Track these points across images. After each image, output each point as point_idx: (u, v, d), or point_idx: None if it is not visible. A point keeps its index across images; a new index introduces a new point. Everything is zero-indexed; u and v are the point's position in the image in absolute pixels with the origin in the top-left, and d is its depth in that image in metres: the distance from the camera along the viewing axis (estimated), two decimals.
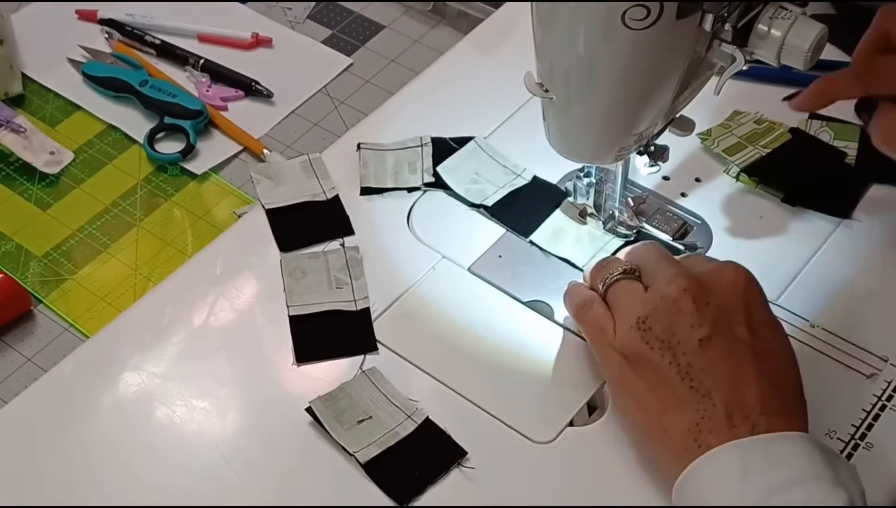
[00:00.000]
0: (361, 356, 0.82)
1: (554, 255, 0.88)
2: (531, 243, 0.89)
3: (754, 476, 0.66)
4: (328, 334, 0.83)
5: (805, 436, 0.68)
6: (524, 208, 0.91)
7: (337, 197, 0.91)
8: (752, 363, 0.70)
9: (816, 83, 0.83)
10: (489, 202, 0.91)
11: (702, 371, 0.70)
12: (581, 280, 0.83)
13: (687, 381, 0.70)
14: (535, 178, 0.93)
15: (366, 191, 0.92)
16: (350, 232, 0.89)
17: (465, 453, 0.76)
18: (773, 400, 0.69)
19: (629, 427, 0.76)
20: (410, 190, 0.92)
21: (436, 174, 0.93)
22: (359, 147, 0.94)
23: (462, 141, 0.95)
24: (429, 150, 0.94)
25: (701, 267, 0.75)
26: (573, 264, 0.87)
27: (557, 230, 0.90)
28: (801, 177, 0.92)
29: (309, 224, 0.89)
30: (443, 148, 0.94)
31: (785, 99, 0.89)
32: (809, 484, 0.65)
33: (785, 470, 0.66)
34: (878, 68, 0.80)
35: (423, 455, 0.76)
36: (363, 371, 0.80)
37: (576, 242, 0.89)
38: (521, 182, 0.93)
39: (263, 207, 0.90)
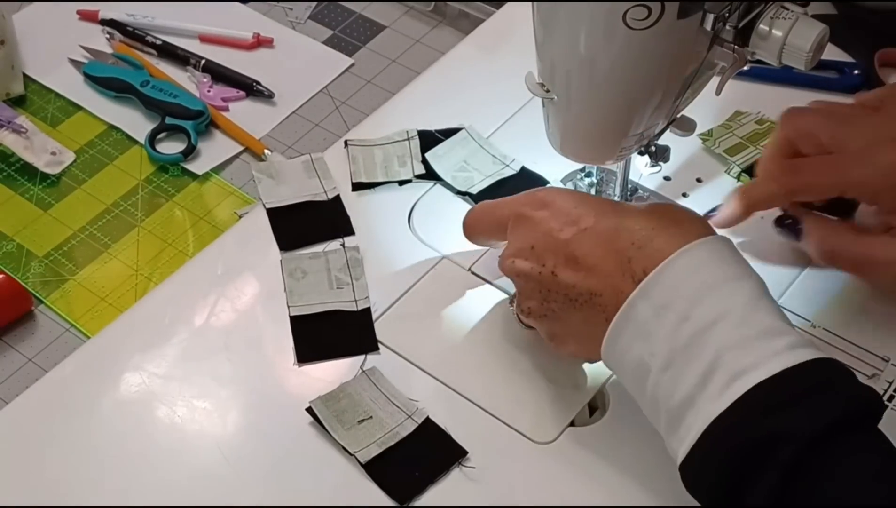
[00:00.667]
0: (362, 357, 0.82)
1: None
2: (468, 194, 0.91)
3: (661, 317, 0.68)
4: (329, 334, 0.83)
5: (677, 256, 0.68)
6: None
7: (338, 197, 0.91)
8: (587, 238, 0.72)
9: (736, 197, 0.83)
10: (474, 190, 0.92)
11: (572, 288, 0.72)
12: None
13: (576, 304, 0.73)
14: (522, 168, 0.94)
15: (357, 186, 0.92)
16: (350, 232, 0.89)
17: (466, 452, 0.76)
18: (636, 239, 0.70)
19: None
20: (402, 183, 0.93)
21: (426, 164, 0.94)
22: (346, 144, 0.95)
23: (449, 133, 0.96)
24: (416, 142, 0.95)
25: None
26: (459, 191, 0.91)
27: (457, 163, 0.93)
28: None
29: (309, 224, 0.90)
30: (429, 140, 0.95)
31: (706, 215, 0.85)
32: (709, 298, 0.67)
33: (681, 301, 0.67)
34: (799, 168, 0.81)
35: (423, 454, 0.76)
36: (363, 371, 0.80)
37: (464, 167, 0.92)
38: (508, 172, 0.93)
39: (264, 206, 0.90)
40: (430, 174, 0.93)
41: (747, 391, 0.64)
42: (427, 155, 0.94)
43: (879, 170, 0.77)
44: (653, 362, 0.68)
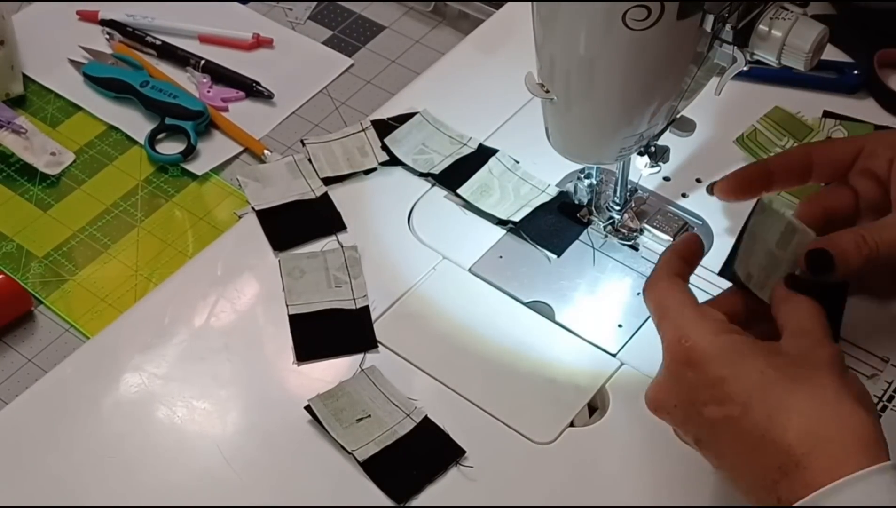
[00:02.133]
0: (361, 357, 0.82)
1: (478, 208, 0.90)
2: (456, 194, 0.91)
3: None
4: (328, 332, 0.83)
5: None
6: (469, 173, 0.93)
7: (326, 194, 0.91)
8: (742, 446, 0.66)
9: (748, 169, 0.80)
10: (436, 171, 0.93)
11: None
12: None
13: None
14: (480, 145, 0.95)
15: (329, 181, 0.93)
16: (342, 228, 0.89)
17: (464, 452, 0.76)
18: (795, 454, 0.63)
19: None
20: (367, 172, 0.94)
21: (387, 150, 0.95)
22: (303, 143, 0.96)
23: (402, 119, 0.97)
24: (372, 132, 0.96)
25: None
26: (501, 220, 0.90)
27: (483, 186, 0.92)
28: None
29: (301, 223, 0.90)
30: (385, 129, 0.96)
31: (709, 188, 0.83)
32: None
33: None
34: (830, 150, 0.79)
35: (421, 453, 0.76)
36: (362, 370, 0.80)
37: (500, 197, 0.91)
38: (466, 151, 0.94)
39: (253, 209, 0.91)
40: (393, 160, 0.94)
41: None
42: (386, 140, 0.95)
43: None
44: None
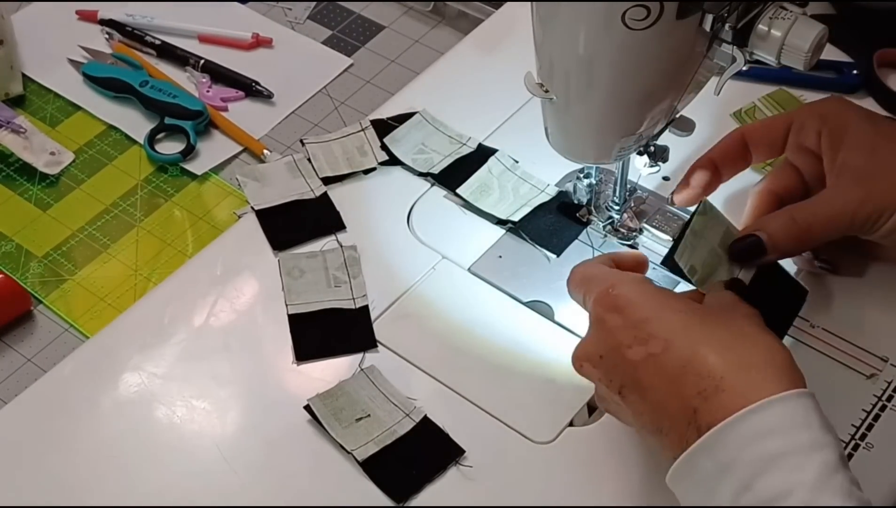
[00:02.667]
0: (361, 356, 0.82)
1: (477, 208, 0.90)
2: (456, 194, 0.91)
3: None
4: (328, 332, 0.83)
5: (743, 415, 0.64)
6: (468, 173, 0.93)
7: (325, 194, 0.91)
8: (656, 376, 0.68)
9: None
10: (435, 170, 0.93)
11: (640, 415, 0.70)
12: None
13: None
14: (479, 145, 0.95)
15: (328, 181, 0.93)
16: (342, 227, 0.89)
17: (463, 451, 0.76)
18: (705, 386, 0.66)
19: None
20: (367, 172, 0.94)
21: (386, 150, 0.95)
22: (302, 143, 0.96)
23: (402, 118, 0.97)
24: (371, 132, 0.96)
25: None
26: (500, 219, 0.90)
27: (483, 186, 0.92)
28: None
29: (300, 222, 0.90)
30: (385, 129, 0.97)
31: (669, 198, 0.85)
32: (776, 468, 0.63)
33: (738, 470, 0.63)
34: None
35: (420, 453, 0.76)
36: (362, 370, 0.80)
37: (499, 197, 0.91)
38: (466, 150, 0.94)
39: (253, 208, 0.91)
40: (393, 160, 0.94)
41: None
42: (385, 140, 0.95)
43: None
44: None
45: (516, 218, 0.90)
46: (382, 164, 0.94)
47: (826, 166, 0.79)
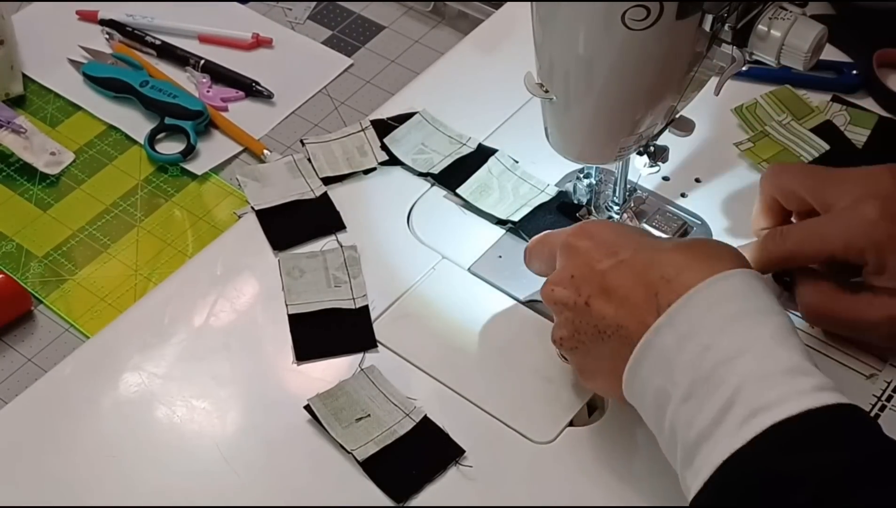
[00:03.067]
0: (361, 357, 0.82)
1: (477, 208, 0.91)
2: (456, 194, 0.91)
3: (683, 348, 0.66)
4: (328, 332, 0.83)
5: (700, 288, 0.67)
6: (468, 173, 0.93)
7: (325, 194, 0.91)
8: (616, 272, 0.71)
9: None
10: (435, 170, 0.93)
11: (599, 327, 0.72)
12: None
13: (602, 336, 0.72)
14: (479, 145, 0.95)
15: (328, 181, 0.93)
16: (342, 227, 0.89)
17: (463, 451, 0.76)
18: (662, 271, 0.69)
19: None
20: (367, 172, 0.94)
21: (386, 150, 0.95)
22: (303, 143, 0.96)
23: (402, 118, 0.97)
24: (371, 132, 0.96)
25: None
26: (500, 219, 0.90)
27: (483, 186, 0.92)
28: None
29: (300, 222, 0.90)
30: (385, 129, 0.97)
31: None
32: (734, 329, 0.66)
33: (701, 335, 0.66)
34: (785, 235, 0.81)
35: (420, 453, 0.76)
36: (362, 370, 0.81)
37: (499, 197, 0.91)
38: (466, 150, 0.94)
39: (253, 208, 0.91)
40: (393, 160, 0.94)
41: (767, 429, 0.62)
42: (385, 140, 0.95)
43: (861, 228, 0.77)
44: (673, 391, 0.66)
45: (516, 218, 0.90)
46: (382, 164, 0.94)
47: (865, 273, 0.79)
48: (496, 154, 0.94)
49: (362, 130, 0.97)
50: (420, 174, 0.93)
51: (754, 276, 0.69)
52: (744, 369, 0.64)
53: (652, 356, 0.68)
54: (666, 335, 0.67)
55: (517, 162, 0.94)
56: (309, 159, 0.95)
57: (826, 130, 0.96)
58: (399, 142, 0.95)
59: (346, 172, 0.94)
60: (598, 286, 0.71)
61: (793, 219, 0.84)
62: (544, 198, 0.91)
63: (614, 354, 0.70)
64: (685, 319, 0.67)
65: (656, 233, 0.89)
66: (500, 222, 0.90)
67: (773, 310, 0.67)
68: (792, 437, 0.62)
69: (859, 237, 0.77)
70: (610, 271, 0.71)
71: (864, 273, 0.78)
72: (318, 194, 0.92)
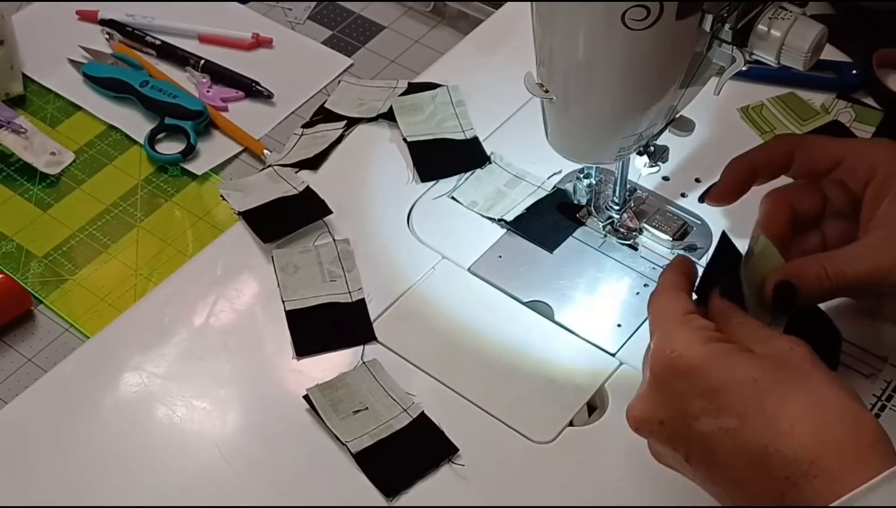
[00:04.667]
0: (361, 352, 0.82)
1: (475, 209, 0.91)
2: (452, 198, 0.92)
3: None
4: (325, 326, 0.83)
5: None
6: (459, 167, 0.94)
7: (308, 188, 0.91)
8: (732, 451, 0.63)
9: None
10: (410, 139, 0.95)
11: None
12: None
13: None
14: (475, 140, 0.95)
15: (327, 112, 0.97)
16: (328, 212, 0.89)
17: (457, 450, 0.76)
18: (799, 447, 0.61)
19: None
20: (369, 120, 0.97)
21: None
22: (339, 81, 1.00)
23: (429, 86, 0.99)
24: (399, 91, 0.99)
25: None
26: (497, 218, 0.90)
27: (479, 185, 0.93)
28: None
29: (286, 214, 0.89)
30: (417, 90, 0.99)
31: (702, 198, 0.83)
32: None
33: None
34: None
35: (414, 449, 0.76)
36: (364, 363, 0.81)
37: (497, 196, 0.92)
38: (460, 136, 0.96)
39: (237, 213, 0.90)
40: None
41: None
42: (393, 103, 0.97)
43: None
44: None
45: (510, 217, 0.90)
46: (381, 116, 0.97)
47: (863, 217, 0.76)
48: (492, 154, 0.94)
49: (395, 87, 0.99)
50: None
51: None
52: None
53: None
54: None
55: (514, 162, 0.94)
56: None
57: (834, 129, 0.96)
58: (407, 109, 0.96)
59: (354, 116, 0.97)
60: (699, 450, 0.64)
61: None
62: (541, 194, 0.91)
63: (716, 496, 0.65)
64: None
65: (659, 235, 0.89)
66: (498, 221, 0.90)
67: None
68: None
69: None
70: (713, 439, 0.63)
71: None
72: (300, 190, 0.91)
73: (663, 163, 0.85)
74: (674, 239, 0.89)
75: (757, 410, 0.63)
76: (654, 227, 0.89)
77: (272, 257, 0.87)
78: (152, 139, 1.00)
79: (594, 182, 0.90)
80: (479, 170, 0.93)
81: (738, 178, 0.80)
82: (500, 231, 0.90)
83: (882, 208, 0.75)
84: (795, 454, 0.61)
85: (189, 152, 0.99)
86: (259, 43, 1.09)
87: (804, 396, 0.63)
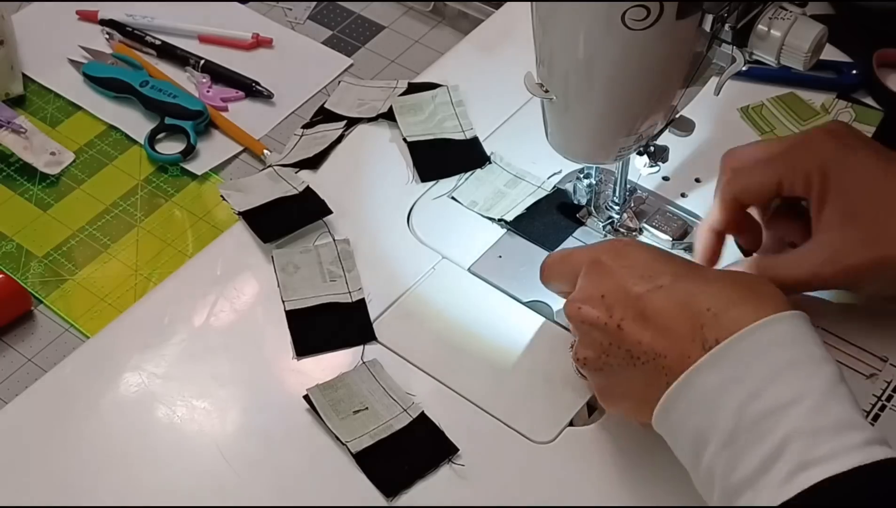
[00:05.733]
0: (361, 352, 0.82)
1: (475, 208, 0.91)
2: (452, 198, 0.92)
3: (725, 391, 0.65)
4: (325, 326, 0.83)
5: (755, 328, 0.65)
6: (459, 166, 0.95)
7: (308, 188, 0.91)
8: (663, 299, 0.69)
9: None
10: (410, 139, 0.94)
11: (638, 350, 0.69)
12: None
13: (635, 362, 0.69)
14: (474, 137, 0.95)
15: (327, 113, 0.97)
16: (328, 212, 0.89)
17: (457, 449, 0.76)
18: (712, 303, 0.67)
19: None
20: (369, 120, 0.97)
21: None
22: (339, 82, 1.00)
23: (429, 86, 0.99)
24: (399, 92, 0.99)
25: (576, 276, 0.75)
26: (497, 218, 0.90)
27: (479, 185, 0.93)
28: None
29: (286, 214, 0.89)
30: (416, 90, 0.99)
31: None
32: (784, 377, 0.64)
33: (759, 368, 0.64)
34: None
35: (414, 449, 0.76)
36: (364, 363, 0.81)
37: (496, 196, 0.92)
38: (460, 137, 0.95)
39: (237, 213, 0.90)
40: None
41: (815, 484, 0.60)
42: (394, 103, 0.97)
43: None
44: (713, 435, 0.64)
45: (510, 217, 0.90)
46: (381, 116, 0.97)
47: (812, 221, 0.78)
48: (492, 154, 0.94)
49: (395, 87, 0.99)
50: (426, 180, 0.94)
51: (805, 320, 0.67)
52: (793, 421, 0.62)
53: (692, 394, 0.65)
54: (710, 374, 0.65)
55: (513, 162, 0.94)
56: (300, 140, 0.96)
57: None
58: (408, 108, 0.96)
59: (354, 116, 0.98)
60: (633, 310, 0.69)
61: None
62: (541, 194, 0.91)
63: (646, 381, 0.69)
64: (734, 361, 0.65)
65: (659, 235, 0.89)
66: (498, 221, 0.90)
67: (825, 358, 0.65)
68: (840, 493, 0.60)
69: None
70: (647, 296, 0.69)
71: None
72: (300, 189, 0.91)
73: (663, 163, 0.86)
74: (674, 239, 0.89)
75: (689, 273, 0.70)
76: (654, 227, 0.89)
77: (272, 257, 0.87)
78: (152, 139, 1.00)
79: (594, 182, 0.90)
80: (479, 170, 0.93)
81: (707, 247, 0.82)
82: (500, 231, 0.90)
83: (825, 212, 0.77)
84: (719, 292, 0.67)
85: (189, 152, 0.99)
86: (259, 43, 1.09)
87: (727, 273, 0.74)
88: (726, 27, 0.72)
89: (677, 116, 0.82)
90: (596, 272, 0.72)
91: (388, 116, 0.97)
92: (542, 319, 0.84)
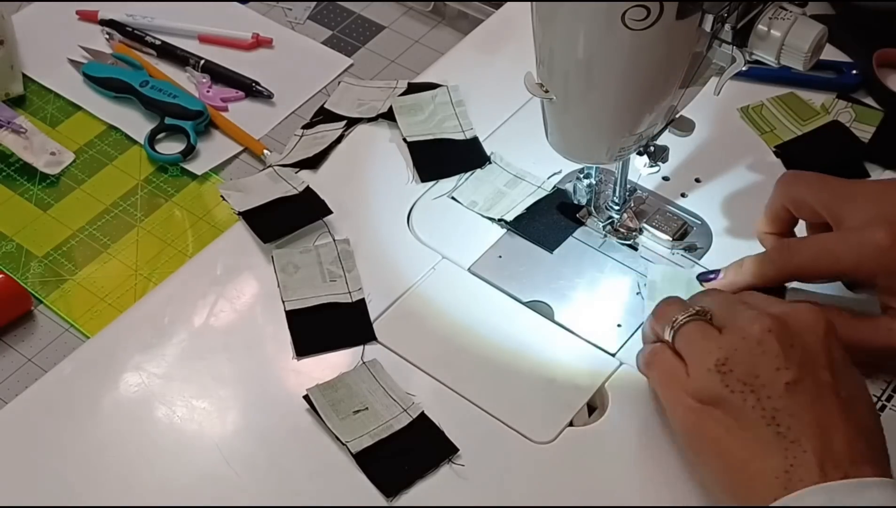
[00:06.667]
0: (361, 352, 0.82)
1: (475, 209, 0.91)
2: (452, 198, 0.92)
3: None
4: (325, 326, 0.83)
5: (893, 482, 0.65)
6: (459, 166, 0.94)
7: (308, 188, 0.91)
8: (839, 409, 0.67)
9: (733, 270, 0.81)
10: (410, 139, 0.94)
11: (790, 416, 0.67)
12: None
13: (773, 426, 0.67)
14: (474, 137, 0.95)
15: (327, 113, 0.97)
16: (328, 212, 0.89)
17: (457, 450, 0.76)
18: (862, 448, 0.67)
19: (703, 473, 0.72)
20: (369, 120, 0.97)
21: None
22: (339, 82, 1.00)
23: (428, 86, 0.99)
24: (399, 92, 0.98)
25: (777, 307, 0.72)
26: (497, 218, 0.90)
27: (478, 185, 0.92)
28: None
29: (285, 214, 0.89)
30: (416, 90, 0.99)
31: (704, 276, 0.84)
32: None
33: None
34: (794, 250, 0.80)
35: (414, 449, 0.76)
36: (364, 363, 0.81)
37: (496, 196, 0.92)
38: (460, 137, 0.95)
39: (237, 213, 0.90)
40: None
41: None
42: (394, 102, 0.97)
43: (872, 253, 0.75)
44: None
45: (510, 217, 0.90)
46: (382, 116, 0.97)
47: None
48: (492, 154, 0.94)
49: (395, 87, 0.99)
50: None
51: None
52: None
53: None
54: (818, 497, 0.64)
55: (514, 162, 0.94)
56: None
57: (834, 129, 0.96)
58: (408, 108, 0.96)
59: (354, 116, 0.98)
60: (810, 397, 0.68)
61: (800, 230, 0.84)
62: (541, 194, 0.91)
63: (760, 445, 0.67)
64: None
65: (659, 235, 0.89)
66: (498, 221, 0.90)
67: None
68: None
69: (870, 261, 0.75)
70: (788, 394, 0.68)
71: (878, 295, 0.78)
72: (300, 190, 0.91)
73: (663, 163, 0.85)
74: (674, 239, 0.89)
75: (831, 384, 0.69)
76: (654, 227, 0.89)
77: (272, 257, 0.87)
78: (152, 139, 1.00)
79: (594, 182, 0.90)
80: (479, 170, 0.93)
81: (733, 288, 0.81)
82: (500, 231, 0.90)
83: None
84: (849, 441, 0.67)
85: (189, 152, 0.99)
86: (259, 43, 1.09)
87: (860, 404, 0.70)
88: (726, 27, 0.72)
89: (677, 116, 0.82)
90: (780, 343, 0.70)
91: (388, 116, 0.97)
92: (543, 319, 0.84)
